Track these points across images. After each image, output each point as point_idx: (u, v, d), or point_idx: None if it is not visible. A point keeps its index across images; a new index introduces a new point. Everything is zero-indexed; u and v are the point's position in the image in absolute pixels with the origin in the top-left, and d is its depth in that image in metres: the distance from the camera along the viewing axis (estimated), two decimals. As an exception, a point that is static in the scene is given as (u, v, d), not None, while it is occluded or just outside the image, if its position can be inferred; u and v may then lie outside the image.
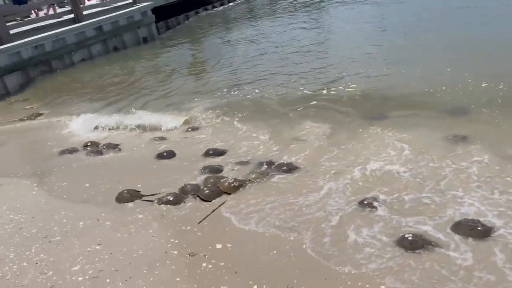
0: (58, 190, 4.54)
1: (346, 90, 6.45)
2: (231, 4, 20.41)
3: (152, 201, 4.03)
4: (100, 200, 4.19)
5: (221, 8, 19.79)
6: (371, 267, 2.83)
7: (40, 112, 7.93)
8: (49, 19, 12.75)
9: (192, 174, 4.52)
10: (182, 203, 3.93)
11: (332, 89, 6.56)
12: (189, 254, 3.17)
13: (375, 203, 3.50)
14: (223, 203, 3.84)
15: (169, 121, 6.18)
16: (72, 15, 12.80)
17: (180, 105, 7.03)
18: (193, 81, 8.73)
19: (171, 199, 3.97)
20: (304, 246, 3.11)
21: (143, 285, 2.91)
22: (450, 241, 2.99)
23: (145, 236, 3.48)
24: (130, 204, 4.03)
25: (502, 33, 8.15)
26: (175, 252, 3.22)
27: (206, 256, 3.13)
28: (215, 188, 4.05)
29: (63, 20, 12.57)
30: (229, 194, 3.99)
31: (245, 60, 9.67)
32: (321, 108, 5.97)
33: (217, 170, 4.50)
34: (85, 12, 13.14)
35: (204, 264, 3.05)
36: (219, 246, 3.24)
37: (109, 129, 6.39)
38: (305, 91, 6.67)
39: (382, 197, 3.61)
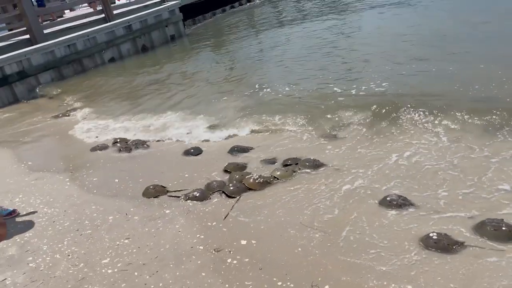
0: (89, 185, 4.69)
1: (376, 88, 6.31)
2: (257, 1, 20.40)
3: (178, 197, 4.10)
4: (129, 195, 4.30)
5: (247, 5, 19.81)
6: (397, 265, 2.78)
7: (74, 108, 8.19)
8: (81, 19, 13.11)
9: (218, 170, 4.57)
10: (208, 199, 3.98)
11: (363, 87, 6.42)
12: (214, 250, 3.21)
13: (401, 201, 3.43)
14: (239, 198, 3.89)
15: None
16: (103, 15, 13.12)
17: (209, 105, 7.06)
18: (221, 80, 8.77)
19: (197, 195, 4.02)
20: (329, 244, 3.09)
21: (169, 279, 2.97)
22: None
23: (171, 231, 3.54)
24: (157, 200, 4.12)
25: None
26: (201, 248, 3.26)
27: (231, 252, 3.16)
28: (240, 185, 4.07)
29: (94, 20, 12.90)
30: (255, 190, 4.01)
31: (270, 58, 9.66)
32: (349, 105, 5.88)
33: (242, 167, 4.53)
34: (115, 12, 13.44)
35: (229, 260, 3.08)
36: (244, 242, 3.27)
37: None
38: (335, 88, 6.57)
39: (411, 194, 3.54)
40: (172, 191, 4.23)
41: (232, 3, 19.95)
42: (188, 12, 16.78)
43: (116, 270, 3.15)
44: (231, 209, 3.74)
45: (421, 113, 5.05)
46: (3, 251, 3.57)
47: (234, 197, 3.94)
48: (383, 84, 6.36)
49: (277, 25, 13.44)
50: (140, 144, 5.70)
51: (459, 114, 4.86)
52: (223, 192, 4.03)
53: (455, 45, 7.65)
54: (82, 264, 3.27)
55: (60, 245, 3.56)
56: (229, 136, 5.55)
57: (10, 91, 9.87)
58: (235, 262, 3.05)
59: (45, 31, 11.59)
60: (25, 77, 10.08)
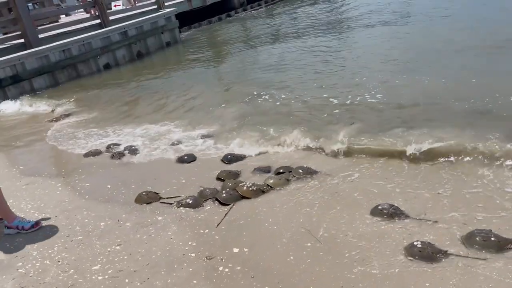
0: (81, 190, 4.66)
1: (372, 99, 6.36)
2: (253, 12, 20.53)
3: (171, 203, 4.09)
4: (121, 201, 4.28)
5: (242, 14, 19.94)
6: (386, 274, 2.79)
7: (68, 114, 8.16)
8: (76, 24, 13.11)
9: (211, 178, 4.56)
10: (200, 207, 3.97)
11: (358, 97, 6.48)
12: (206, 257, 3.20)
13: (392, 210, 3.46)
14: (232, 205, 3.88)
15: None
16: (98, 20, 13.14)
17: (204, 112, 7.08)
18: (213, 85, 8.81)
19: (190, 202, 4.01)
20: (321, 253, 3.09)
21: (161, 286, 2.95)
22: (471, 252, 2.92)
23: (163, 238, 3.53)
24: (150, 206, 4.10)
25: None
26: (193, 255, 3.25)
27: (223, 260, 3.15)
28: (233, 192, 4.07)
29: (90, 25, 12.91)
30: (248, 198, 4.01)
31: (265, 66, 9.72)
32: (344, 115, 5.93)
33: (235, 175, 4.53)
34: (111, 18, 13.47)
35: (220, 268, 3.06)
36: (236, 250, 3.26)
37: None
38: (331, 99, 6.62)
39: (402, 204, 3.57)
40: (164, 198, 4.22)
41: (228, 12, 20.07)
42: (184, 20, 16.86)
43: (106, 276, 3.12)
44: (224, 217, 3.74)
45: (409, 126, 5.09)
46: (-8, 256, 3.53)
47: (227, 205, 3.93)
48: (378, 95, 6.41)
49: (271, 38, 13.50)
50: (133, 150, 5.68)
51: (446, 128, 4.89)
52: (216, 199, 4.02)
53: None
54: (72, 270, 3.24)
55: (50, 251, 3.53)
56: (223, 144, 5.55)
57: (3, 95, 9.82)
58: (227, 270, 3.04)
59: (40, 36, 11.57)
60: (18, 81, 10.05)
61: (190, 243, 3.41)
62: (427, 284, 2.67)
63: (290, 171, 4.40)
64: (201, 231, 3.57)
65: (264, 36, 13.61)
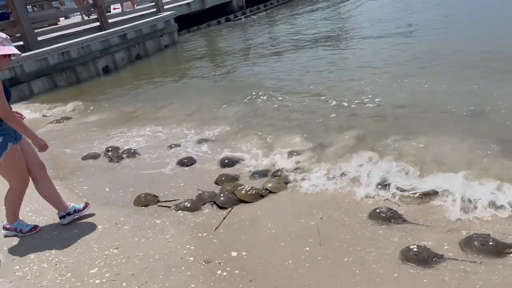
0: (79, 193, 4.64)
1: (372, 103, 6.39)
2: (254, 17, 20.53)
3: (169, 207, 4.08)
4: (119, 205, 4.27)
5: (243, 19, 19.97)
6: (383, 276, 2.79)
7: (66, 117, 8.15)
8: (75, 27, 13.11)
9: (210, 181, 4.56)
10: (199, 210, 3.96)
11: (356, 101, 6.51)
12: (204, 261, 3.19)
13: (389, 213, 3.46)
14: (231, 209, 3.88)
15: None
16: (98, 23, 13.14)
17: (204, 115, 7.09)
18: (210, 88, 8.82)
19: (188, 205, 4.01)
20: (319, 257, 3.09)
21: (158, 290, 2.94)
22: (470, 257, 2.92)
23: (161, 241, 3.52)
24: (148, 209, 4.09)
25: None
26: (191, 259, 3.24)
27: (221, 263, 3.14)
28: (231, 196, 4.07)
29: (89, 28, 12.91)
30: (246, 202, 4.00)
31: (265, 69, 9.74)
32: (343, 118, 5.97)
33: (233, 178, 4.52)
34: (110, 20, 13.48)
35: (219, 271, 3.05)
36: (234, 254, 3.25)
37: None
38: (329, 101, 6.66)
39: (399, 209, 3.57)
40: (163, 201, 4.21)
41: (227, 15, 20.10)
42: (184, 23, 16.89)
43: (104, 280, 3.10)
44: (222, 220, 3.73)
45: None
46: (-11, 259, 3.51)
47: (225, 208, 3.93)
48: (376, 100, 6.43)
49: (270, 45, 13.53)
50: (132, 153, 5.67)
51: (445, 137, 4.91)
52: (215, 203, 4.02)
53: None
54: (69, 273, 3.22)
55: (47, 254, 3.51)
56: (222, 147, 5.54)
57: (1, 97, 9.79)
58: (225, 273, 3.03)
59: (39, 38, 11.56)
60: (17, 83, 10.02)
61: (188, 246, 3.40)
62: (426, 289, 2.67)
63: (288, 173, 4.40)
64: (199, 234, 3.57)
65: (264, 43, 13.63)
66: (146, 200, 4.21)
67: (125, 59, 12.81)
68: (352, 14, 15.82)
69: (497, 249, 2.91)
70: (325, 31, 13.28)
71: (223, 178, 4.54)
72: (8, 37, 3.28)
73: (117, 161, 5.48)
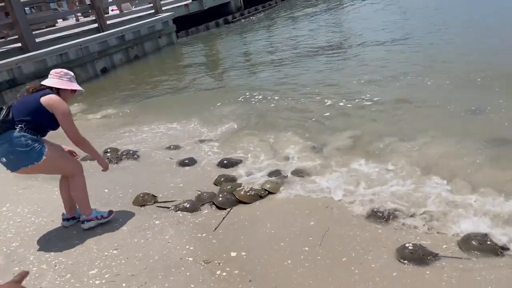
0: (78, 194, 4.63)
1: (368, 101, 6.44)
2: (253, 18, 20.57)
3: (168, 207, 4.08)
4: (118, 206, 4.26)
5: (242, 20, 20.00)
6: (383, 276, 2.80)
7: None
8: (74, 28, 13.11)
9: (209, 182, 4.57)
10: (198, 211, 3.97)
11: (352, 99, 6.56)
12: (203, 261, 3.19)
13: (387, 212, 3.48)
14: (230, 210, 3.89)
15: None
16: (96, 24, 13.14)
17: (196, 111, 7.11)
18: (209, 89, 8.84)
19: (187, 206, 4.01)
20: (318, 257, 3.10)
21: (158, 291, 2.94)
22: (468, 256, 2.93)
23: (161, 242, 3.52)
24: (147, 210, 4.09)
25: None
26: (190, 259, 3.24)
27: (221, 264, 3.14)
28: (230, 196, 4.07)
29: (87, 29, 12.92)
30: (246, 203, 4.01)
31: (262, 68, 9.76)
32: (335, 117, 6.00)
33: (231, 179, 4.53)
34: (108, 22, 13.48)
35: (218, 272, 3.06)
36: (233, 254, 3.25)
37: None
38: (325, 100, 6.70)
39: (395, 206, 3.58)
40: (162, 202, 4.22)
41: (225, 16, 20.11)
42: (182, 24, 16.89)
43: (103, 281, 3.10)
44: (221, 221, 3.73)
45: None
46: (-12, 261, 3.51)
47: (224, 208, 3.93)
48: (375, 98, 6.46)
49: (269, 47, 13.55)
50: (131, 154, 5.67)
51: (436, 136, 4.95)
52: (213, 203, 4.02)
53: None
54: (69, 275, 3.22)
55: (47, 255, 3.51)
56: (222, 148, 5.55)
57: (0, 100, 9.78)
58: (224, 274, 3.04)
59: (37, 40, 11.56)
60: (15, 85, 10.01)
61: (187, 247, 3.41)
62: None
63: (286, 176, 4.41)
64: (199, 235, 3.57)
65: (263, 45, 13.64)
66: (145, 201, 4.21)
67: (123, 60, 12.81)
68: (349, 16, 15.85)
69: (494, 248, 2.92)
70: (323, 32, 13.31)
71: (222, 179, 4.54)
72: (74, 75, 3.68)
73: (116, 162, 5.48)
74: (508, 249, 2.93)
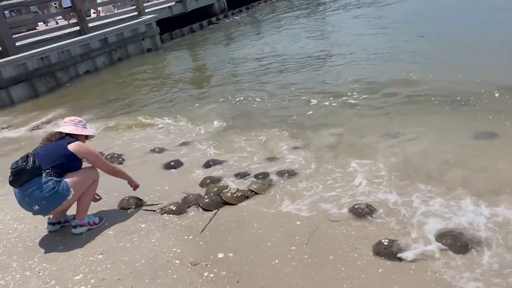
0: (61, 199, 4.56)
1: (350, 99, 6.52)
2: (236, 17, 20.64)
3: (154, 210, 4.05)
4: (103, 210, 4.21)
5: (227, 20, 20.02)
6: (369, 272, 2.83)
7: (48, 121, 8.01)
8: (55, 31, 12.92)
9: (196, 184, 4.55)
10: (184, 213, 3.95)
11: (335, 97, 6.64)
12: (191, 264, 3.18)
13: (367, 209, 3.53)
14: (217, 211, 3.88)
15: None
16: (78, 27, 12.97)
17: (181, 112, 7.08)
18: (193, 90, 8.82)
19: (173, 208, 3.99)
20: (305, 256, 3.11)
21: (145, 294, 2.92)
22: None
23: (147, 245, 3.49)
24: (133, 213, 4.05)
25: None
26: (177, 262, 3.23)
27: (208, 266, 3.13)
28: (215, 197, 4.06)
29: (69, 32, 12.74)
30: (232, 204, 4.00)
31: (245, 69, 9.77)
32: (320, 116, 6.06)
33: (217, 181, 4.52)
34: (90, 24, 13.32)
35: (206, 274, 3.05)
36: (220, 255, 3.25)
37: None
38: (308, 99, 6.77)
39: (378, 203, 3.62)
40: (147, 205, 4.18)
41: (209, 18, 20.07)
42: (166, 26, 16.79)
43: (89, 286, 3.06)
44: (208, 222, 3.72)
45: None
46: (-31, 269, 3.43)
47: (210, 210, 3.92)
48: (358, 96, 6.53)
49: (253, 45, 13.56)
50: (116, 158, 5.61)
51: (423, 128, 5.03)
52: (199, 205, 4.01)
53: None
54: (53, 281, 3.17)
55: (30, 262, 3.45)
56: (208, 149, 5.54)
57: (-21, 104, 9.60)
58: (212, 275, 3.03)
59: (18, 44, 11.37)
60: (-5, 89, 9.83)
61: (174, 249, 3.39)
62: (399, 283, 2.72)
63: (272, 174, 4.43)
64: (185, 237, 3.55)
65: (247, 45, 13.67)
66: (130, 204, 4.17)
67: (106, 63, 12.67)
68: (328, 17, 15.98)
69: (467, 244, 2.98)
70: (303, 28, 13.40)
71: (208, 181, 4.53)
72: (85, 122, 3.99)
73: (100, 166, 5.41)
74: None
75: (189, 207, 4.03)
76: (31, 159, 3.48)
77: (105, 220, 3.96)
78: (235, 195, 4.08)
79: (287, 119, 6.19)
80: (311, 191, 4.06)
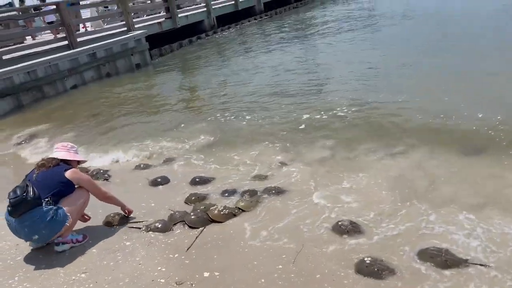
0: (45, 216, 4.47)
1: (338, 116, 6.58)
2: (225, 33, 20.85)
3: (140, 228, 4.00)
4: (88, 226, 4.14)
5: (216, 36, 20.20)
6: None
7: (34, 136, 7.90)
8: (43, 45, 12.84)
9: (181, 201, 4.51)
10: (170, 231, 3.90)
11: (324, 116, 6.69)
12: (176, 283, 3.13)
13: (350, 227, 3.54)
14: (203, 229, 3.85)
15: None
16: (66, 42, 12.92)
17: (168, 129, 7.07)
18: (181, 108, 8.80)
19: (159, 226, 3.94)
20: (292, 275, 3.09)
21: (128, 315, 2.85)
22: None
23: (131, 263, 3.43)
24: (118, 230, 3.99)
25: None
26: (162, 281, 3.17)
27: (193, 285, 3.09)
28: (201, 214, 4.03)
29: (56, 47, 12.68)
30: (219, 222, 3.97)
31: (232, 86, 9.82)
32: (310, 133, 6.10)
33: (203, 198, 4.49)
34: (79, 39, 13.28)
35: (191, 293, 3.00)
36: (206, 274, 3.21)
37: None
38: (297, 117, 6.81)
39: (362, 219, 3.63)
40: (133, 222, 4.13)
41: (199, 34, 20.20)
42: (155, 42, 16.83)
43: (71, 306, 2.99)
44: (194, 240, 3.68)
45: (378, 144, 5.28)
46: None
47: (196, 228, 3.88)
48: (346, 110, 6.62)
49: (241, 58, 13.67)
50: (102, 174, 5.55)
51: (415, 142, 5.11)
52: (185, 223, 3.97)
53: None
54: (34, 301, 3.09)
55: (10, 281, 3.35)
56: (194, 166, 5.52)
57: (-37, 118, 9.44)
58: (197, 295, 2.98)
59: (4, 57, 11.27)
60: (-20, 103, 9.70)
61: (159, 268, 3.33)
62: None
63: (257, 193, 4.42)
64: (171, 255, 3.50)
65: (234, 54, 13.77)
66: (115, 221, 4.11)
67: (94, 78, 12.62)
68: (318, 28, 16.23)
69: (451, 263, 3.00)
70: (293, 45, 13.58)
71: (193, 198, 4.50)
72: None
73: (86, 182, 5.33)
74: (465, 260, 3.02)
75: (175, 224, 3.99)
76: (30, 189, 3.47)
77: (89, 237, 3.89)
78: (222, 212, 4.05)
79: (277, 135, 6.19)
80: (298, 209, 4.05)
